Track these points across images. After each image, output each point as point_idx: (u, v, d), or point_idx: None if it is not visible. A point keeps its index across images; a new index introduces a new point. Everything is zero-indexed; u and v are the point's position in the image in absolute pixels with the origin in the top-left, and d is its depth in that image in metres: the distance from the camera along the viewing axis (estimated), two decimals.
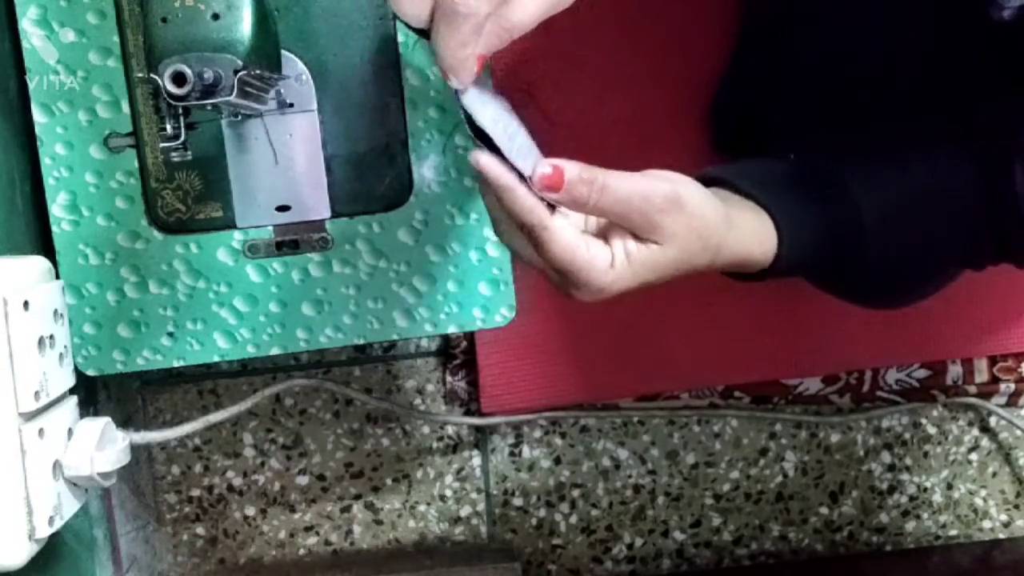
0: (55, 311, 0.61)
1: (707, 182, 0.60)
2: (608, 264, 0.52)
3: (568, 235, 0.51)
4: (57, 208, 0.70)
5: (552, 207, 0.52)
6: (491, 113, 0.52)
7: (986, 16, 0.58)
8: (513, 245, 0.55)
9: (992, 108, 0.66)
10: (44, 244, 0.71)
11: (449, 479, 1.03)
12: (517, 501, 1.04)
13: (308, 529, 1.03)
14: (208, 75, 0.53)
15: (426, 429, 1.02)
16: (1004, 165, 0.62)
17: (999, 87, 0.66)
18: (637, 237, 0.52)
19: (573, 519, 1.05)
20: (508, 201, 0.50)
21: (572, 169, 0.50)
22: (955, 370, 1.03)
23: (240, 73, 0.55)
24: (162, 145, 0.58)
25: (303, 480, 1.02)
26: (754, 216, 0.58)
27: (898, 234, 0.64)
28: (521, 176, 0.50)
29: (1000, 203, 0.63)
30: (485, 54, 0.48)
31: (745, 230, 0.57)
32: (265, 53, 0.58)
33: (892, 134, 0.70)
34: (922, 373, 1.03)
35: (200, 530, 1.02)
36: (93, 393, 0.81)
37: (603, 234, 0.53)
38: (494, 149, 0.50)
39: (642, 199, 0.51)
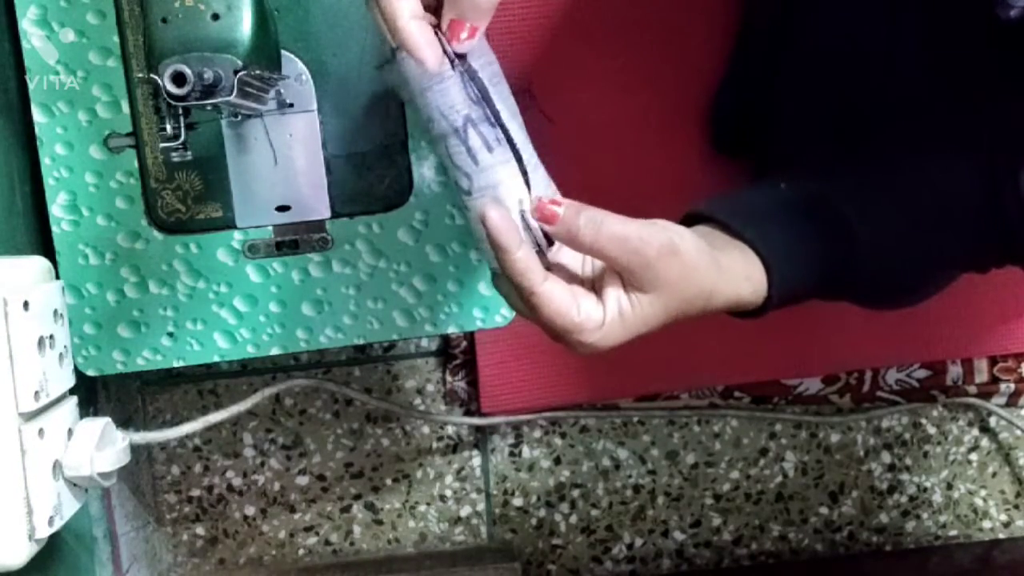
0: (55, 311, 0.61)
1: (695, 219, 0.60)
2: (599, 324, 0.52)
3: (558, 300, 0.51)
4: (57, 208, 0.70)
5: (549, 239, 0.53)
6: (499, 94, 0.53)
7: (992, 16, 0.58)
8: (510, 299, 0.56)
9: (997, 110, 0.65)
10: (44, 244, 0.71)
11: (449, 479, 1.03)
12: (517, 501, 1.04)
13: (308, 529, 1.03)
14: (208, 75, 0.53)
15: (426, 429, 1.02)
16: (1010, 168, 0.62)
17: (1004, 88, 0.66)
18: (629, 290, 0.53)
19: (573, 519, 1.05)
20: (503, 261, 0.51)
21: (572, 205, 0.51)
22: (955, 370, 1.03)
23: (240, 73, 0.55)
24: (162, 145, 0.58)
25: (303, 480, 1.02)
26: (742, 257, 0.57)
27: (897, 250, 0.63)
28: (519, 160, 0.51)
29: (1006, 207, 0.62)
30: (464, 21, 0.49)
31: (735, 274, 0.57)
32: (265, 53, 0.58)
33: (893, 136, 0.69)
34: (922, 373, 1.03)
35: (200, 530, 1.02)
36: (93, 393, 0.81)
37: (598, 285, 0.54)
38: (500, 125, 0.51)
39: (639, 241, 0.51)
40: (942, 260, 0.68)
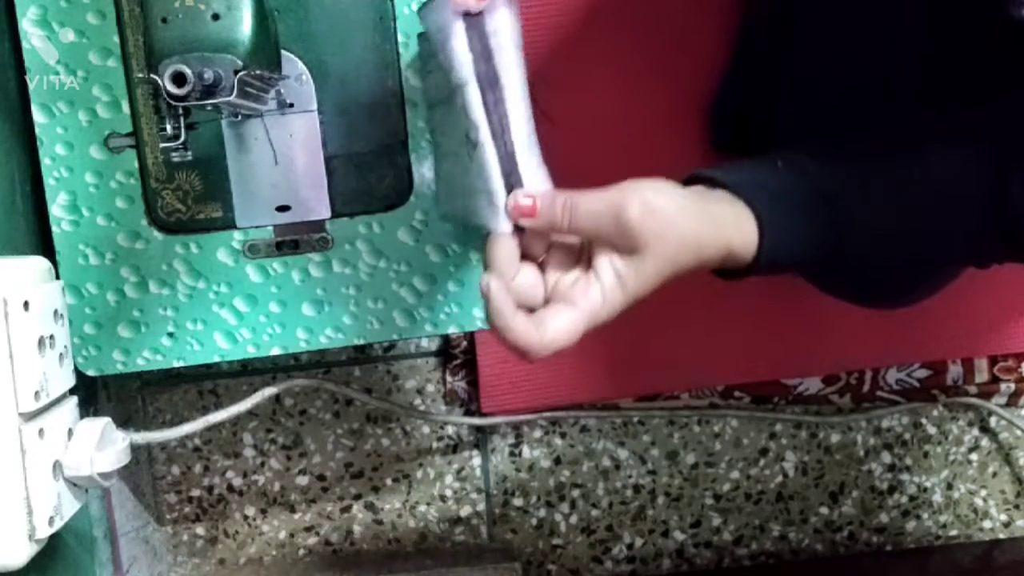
0: (55, 311, 0.61)
1: (691, 181, 0.61)
2: (600, 303, 0.54)
3: (563, 331, 0.54)
4: (57, 208, 0.70)
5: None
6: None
7: (1005, 15, 0.58)
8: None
9: (1005, 104, 0.65)
10: (44, 244, 0.71)
11: (449, 479, 1.03)
12: (517, 501, 1.04)
13: (308, 529, 1.03)
14: (208, 75, 0.53)
15: (426, 429, 1.02)
16: (1017, 162, 0.62)
17: (1012, 83, 0.66)
18: (619, 255, 0.54)
19: (573, 519, 1.05)
20: (503, 333, 0.53)
21: (546, 196, 0.54)
22: (955, 370, 1.03)
23: (240, 73, 0.55)
24: (162, 145, 0.58)
25: (303, 480, 1.02)
26: (731, 208, 0.58)
27: (895, 234, 0.63)
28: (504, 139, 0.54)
29: (1012, 201, 0.62)
30: None
31: (723, 221, 0.57)
32: (265, 53, 0.58)
33: (894, 135, 0.69)
34: (922, 373, 1.03)
35: (200, 530, 1.02)
36: (93, 393, 0.81)
37: (589, 260, 0.55)
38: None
39: (611, 208, 0.53)
40: (942, 250, 0.68)
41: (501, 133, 0.55)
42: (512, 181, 0.55)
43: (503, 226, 0.55)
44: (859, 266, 0.63)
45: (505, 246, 0.55)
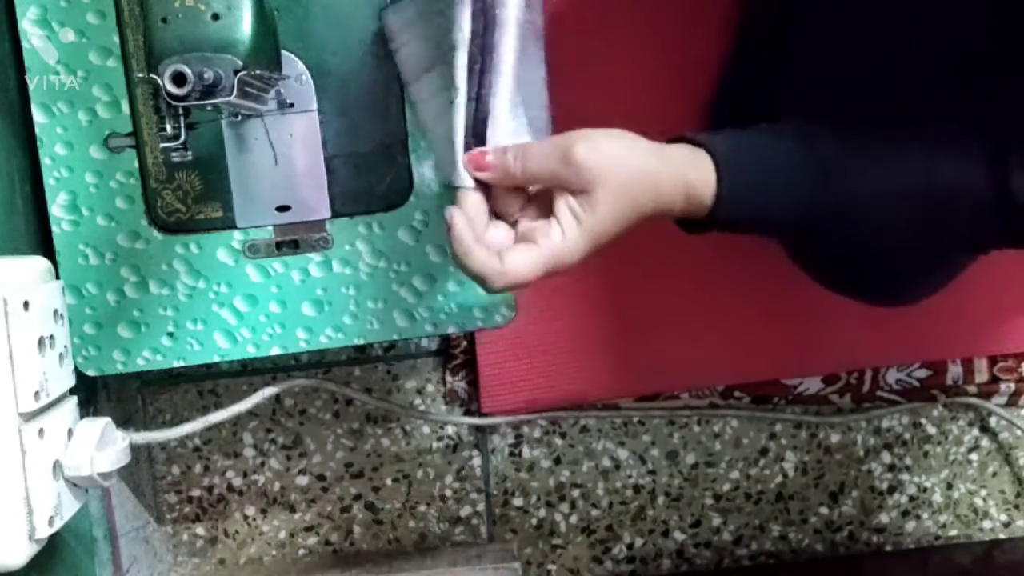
0: (55, 311, 0.61)
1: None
2: (561, 238, 0.56)
3: (522, 265, 0.56)
4: (57, 208, 0.70)
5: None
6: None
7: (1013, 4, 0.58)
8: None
9: (1007, 96, 0.65)
10: (44, 244, 0.71)
11: (449, 479, 1.03)
12: (517, 501, 1.04)
13: (308, 529, 1.03)
14: (208, 75, 0.53)
15: (426, 429, 1.02)
16: (1015, 154, 0.61)
17: (1011, 74, 0.66)
18: (574, 196, 0.56)
19: (573, 519, 1.05)
20: (462, 261, 0.56)
21: (498, 149, 0.57)
22: (955, 370, 1.03)
23: (240, 73, 0.55)
24: (162, 145, 0.58)
25: (303, 480, 1.02)
26: (690, 150, 0.59)
27: (894, 216, 0.63)
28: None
29: (1013, 191, 0.62)
30: None
31: (678, 160, 0.59)
32: (265, 53, 0.59)
33: (895, 134, 0.69)
34: (922, 373, 1.03)
35: (200, 530, 1.02)
36: (93, 393, 0.81)
37: (548, 209, 0.57)
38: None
39: (559, 149, 0.56)
40: (941, 236, 0.67)
41: (478, 97, 0.57)
42: (476, 141, 0.58)
43: (467, 181, 0.58)
44: (853, 246, 0.63)
45: (470, 200, 0.58)
